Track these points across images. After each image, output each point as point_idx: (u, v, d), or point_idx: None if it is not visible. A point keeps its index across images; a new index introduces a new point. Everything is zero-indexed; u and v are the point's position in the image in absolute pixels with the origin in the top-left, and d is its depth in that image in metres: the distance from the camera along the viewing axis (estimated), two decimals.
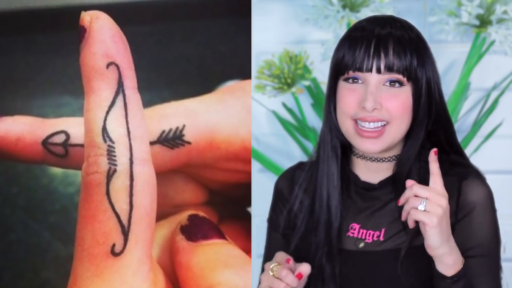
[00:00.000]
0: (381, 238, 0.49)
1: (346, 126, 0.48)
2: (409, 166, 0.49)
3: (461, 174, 0.49)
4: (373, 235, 0.49)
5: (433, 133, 0.50)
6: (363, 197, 0.51)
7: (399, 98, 0.47)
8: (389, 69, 0.46)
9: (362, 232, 0.50)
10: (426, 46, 0.49)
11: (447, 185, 0.47)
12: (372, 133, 0.47)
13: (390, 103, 0.46)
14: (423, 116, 0.48)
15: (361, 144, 0.47)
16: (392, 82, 0.47)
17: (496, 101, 0.73)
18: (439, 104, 0.49)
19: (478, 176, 0.49)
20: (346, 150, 0.52)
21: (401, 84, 0.47)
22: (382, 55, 0.46)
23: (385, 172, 0.50)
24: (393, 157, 0.50)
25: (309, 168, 0.54)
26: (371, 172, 0.51)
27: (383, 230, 0.49)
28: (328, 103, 0.50)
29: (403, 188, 0.47)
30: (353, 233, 0.50)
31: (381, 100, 0.46)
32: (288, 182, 0.55)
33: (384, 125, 0.47)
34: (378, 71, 0.46)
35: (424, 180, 0.47)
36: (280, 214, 0.54)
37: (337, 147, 0.51)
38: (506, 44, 0.67)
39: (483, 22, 0.67)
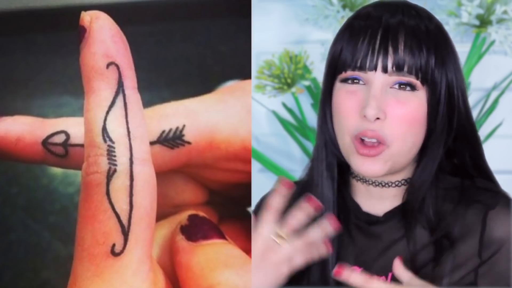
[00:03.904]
0: None
1: (344, 142, 0.39)
2: (423, 193, 0.40)
3: (486, 203, 0.39)
4: None
5: (455, 152, 0.41)
6: (365, 233, 0.42)
7: (408, 106, 0.38)
8: (399, 68, 0.37)
9: None
10: (448, 40, 0.40)
11: (469, 219, 0.39)
12: (370, 149, 0.38)
13: (396, 112, 0.37)
14: (442, 129, 0.39)
15: (359, 165, 0.38)
16: (402, 85, 0.38)
17: (496, 101, 0.73)
18: (463, 115, 0.40)
19: (507, 204, 0.39)
20: (344, 171, 0.42)
21: (413, 88, 0.38)
22: (391, 50, 0.37)
23: (392, 200, 0.41)
24: (402, 181, 0.41)
25: (300, 192, 0.43)
26: (374, 200, 0.41)
27: (390, 274, 0.40)
28: (323, 110, 0.41)
29: (415, 222, 0.39)
30: None
31: (386, 107, 0.37)
32: None
33: (379, 144, 0.38)
34: (385, 70, 0.37)
35: (441, 212, 0.39)
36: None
37: (333, 166, 0.41)
38: (506, 44, 0.67)
39: (483, 22, 0.67)
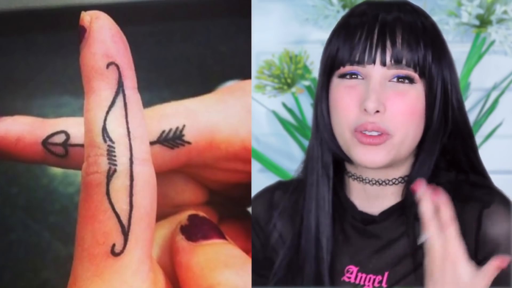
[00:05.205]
0: (384, 284, 0.40)
1: (345, 137, 0.39)
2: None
3: (482, 200, 0.39)
4: (374, 280, 0.40)
5: (449, 149, 0.41)
6: (360, 232, 0.41)
7: (407, 98, 0.38)
8: (397, 61, 0.37)
9: (361, 277, 0.40)
10: (443, 39, 0.41)
11: (464, 217, 0.38)
12: (374, 138, 0.38)
13: (396, 104, 0.37)
14: (439, 124, 0.39)
15: (361, 155, 0.38)
16: (401, 79, 0.38)
17: (496, 101, 0.73)
18: (457, 111, 0.40)
19: (502, 202, 0.39)
20: (339, 170, 0.42)
21: (411, 81, 0.38)
22: (389, 44, 0.37)
23: (389, 198, 0.41)
24: (400, 179, 0.40)
25: (294, 190, 0.44)
26: (370, 199, 0.41)
27: (386, 274, 0.40)
28: (320, 107, 0.41)
29: (414, 218, 0.39)
30: (349, 278, 0.41)
31: (385, 100, 0.37)
32: (264, 208, 0.45)
33: (385, 135, 0.38)
34: (383, 63, 0.37)
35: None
36: (253, 249, 0.44)
37: (329, 165, 0.41)
38: (506, 44, 0.67)
39: (483, 22, 0.67)
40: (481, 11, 0.66)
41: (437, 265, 0.36)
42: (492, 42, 0.70)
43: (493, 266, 0.36)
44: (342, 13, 0.69)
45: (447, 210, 0.36)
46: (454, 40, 0.70)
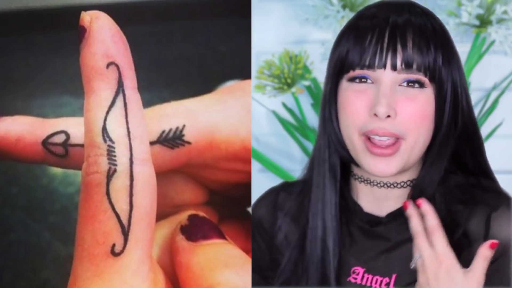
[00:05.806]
0: (391, 286, 0.39)
1: (354, 142, 0.38)
2: (431, 193, 0.39)
3: (490, 204, 0.39)
4: (381, 282, 0.40)
5: (456, 151, 0.41)
6: (367, 234, 0.41)
7: (417, 102, 0.37)
8: (408, 65, 0.37)
9: (368, 278, 0.40)
10: (451, 40, 0.40)
11: (474, 219, 0.39)
12: (385, 149, 0.37)
13: (406, 109, 0.37)
14: (449, 127, 0.39)
15: (371, 165, 0.38)
16: (411, 83, 0.38)
17: (496, 101, 0.73)
18: (466, 113, 0.40)
19: (509, 205, 0.39)
20: (345, 172, 0.42)
21: (421, 85, 0.38)
22: (399, 48, 0.37)
23: (396, 201, 0.40)
24: (408, 182, 0.40)
25: (299, 191, 0.44)
26: (378, 201, 0.41)
27: (393, 276, 0.39)
28: (328, 110, 0.40)
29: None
30: (355, 279, 0.40)
31: (396, 104, 0.37)
32: (269, 209, 0.44)
33: (398, 139, 0.37)
34: (394, 68, 0.37)
35: (450, 212, 0.39)
36: (258, 250, 0.44)
37: (336, 167, 0.41)
38: (506, 44, 0.67)
39: (483, 22, 0.67)
40: (481, 11, 0.66)
41: (432, 275, 0.36)
42: (492, 42, 0.70)
43: (481, 257, 0.36)
44: (342, 13, 0.69)
45: (432, 218, 0.37)
46: (454, 40, 0.69)
